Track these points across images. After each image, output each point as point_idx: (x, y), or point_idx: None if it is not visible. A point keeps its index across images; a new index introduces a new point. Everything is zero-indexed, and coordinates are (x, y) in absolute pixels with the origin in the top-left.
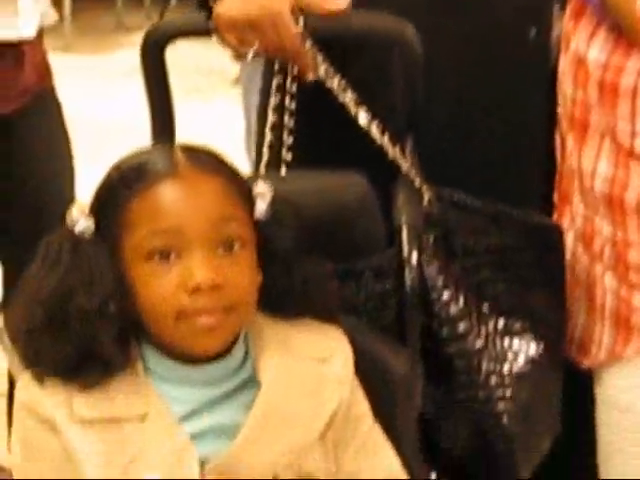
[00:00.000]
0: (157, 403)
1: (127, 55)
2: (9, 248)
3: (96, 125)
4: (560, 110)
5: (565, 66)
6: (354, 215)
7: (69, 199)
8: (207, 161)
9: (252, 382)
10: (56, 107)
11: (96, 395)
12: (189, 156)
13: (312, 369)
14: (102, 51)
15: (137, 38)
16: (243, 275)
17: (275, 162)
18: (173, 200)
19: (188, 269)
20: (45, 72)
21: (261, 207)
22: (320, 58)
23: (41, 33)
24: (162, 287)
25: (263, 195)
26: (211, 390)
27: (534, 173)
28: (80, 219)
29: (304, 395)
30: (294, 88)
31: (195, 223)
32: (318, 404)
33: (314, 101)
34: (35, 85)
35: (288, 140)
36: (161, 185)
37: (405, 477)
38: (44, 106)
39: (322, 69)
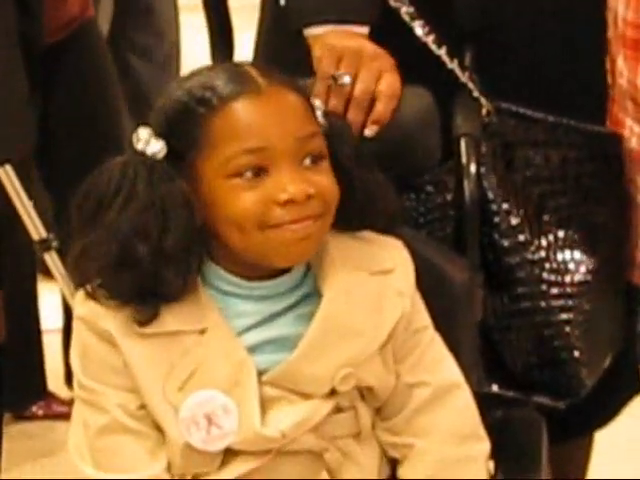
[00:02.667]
0: (216, 317)
1: None
2: (56, 176)
3: None
4: (610, 32)
5: None
6: (417, 128)
7: (119, 127)
8: (282, 78)
9: (313, 295)
10: (98, 37)
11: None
12: (263, 73)
13: (374, 282)
14: None
15: None
16: (329, 183)
17: None
18: (259, 118)
19: (280, 184)
20: (87, 2)
21: (320, 119)
22: None
23: None
24: (249, 199)
25: (319, 108)
26: (272, 304)
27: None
28: (151, 141)
29: (365, 308)
30: None
31: (283, 140)
32: (379, 316)
33: None
34: (79, 15)
35: None
36: (244, 103)
37: (464, 385)
38: (88, 35)
39: None
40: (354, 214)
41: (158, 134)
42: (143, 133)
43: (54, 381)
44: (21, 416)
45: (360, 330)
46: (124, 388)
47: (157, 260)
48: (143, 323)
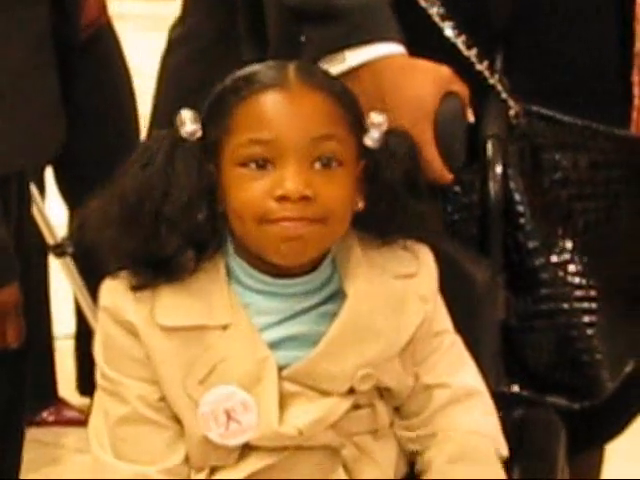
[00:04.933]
0: (240, 313)
1: None
2: (71, 180)
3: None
4: (637, 46)
5: None
6: (444, 131)
7: (133, 131)
8: (318, 77)
9: (337, 295)
10: (115, 40)
11: (178, 303)
12: (301, 70)
13: (397, 285)
14: None
15: None
16: (336, 191)
17: None
18: (276, 111)
19: (280, 178)
20: (103, 6)
21: (374, 135)
22: None
23: None
24: (250, 191)
25: (379, 125)
26: (297, 302)
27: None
28: (187, 121)
29: (388, 310)
30: None
31: (295, 136)
32: (401, 320)
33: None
34: (96, 18)
35: None
36: (267, 94)
37: (485, 392)
38: (104, 39)
39: None
40: (390, 228)
41: (201, 119)
42: (184, 114)
43: (65, 387)
44: (32, 422)
45: (381, 332)
46: (145, 379)
47: (159, 224)
48: (136, 288)
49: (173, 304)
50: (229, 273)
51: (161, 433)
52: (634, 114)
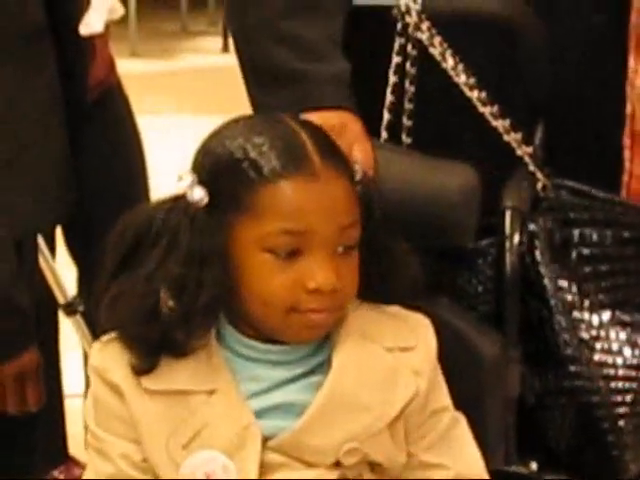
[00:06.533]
0: (226, 379)
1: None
2: (81, 239)
3: None
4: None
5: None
6: (458, 205)
7: (142, 192)
8: (335, 157)
9: (325, 365)
10: (124, 101)
11: (164, 368)
12: (319, 148)
13: (389, 358)
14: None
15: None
16: (354, 276)
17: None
18: (308, 202)
19: (310, 270)
20: (112, 66)
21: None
22: (438, 39)
23: (108, 28)
24: (279, 281)
25: (358, 172)
26: (286, 370)
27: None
28: (195, 187)
29: (375, 383)
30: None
31: (327, 228)
32: (390, 393)
33: (428, 83)
34: (105, 79)
35: (409, 106)
36: (296, 183)
37: (486, 475)
38: (112, 100)
39: (437, 50)
40: (376, 281)
41: (202, 181)
42: (188, 178)
43: (75, 445)
44: None
45: (367, 405)
46: (130, 439)
47: (183, 314)
48: (140, 373)
49: (159, 368)
50: (219, 338)
51: None
52: (625, 177)
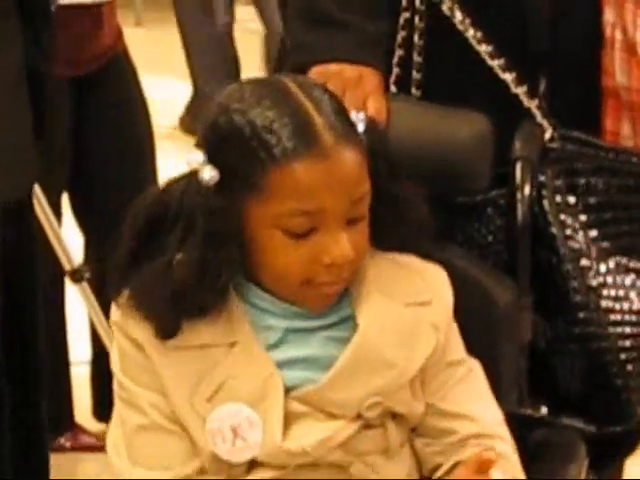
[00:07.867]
0: (246, 331)
1: None
2: (88, 206)
3: None
4: None
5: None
6: (470, 152)
7: (148, 159)
8: (342, 125)
9: (347, 320)
10: (132, 70)
11: (185, 325)
12: (329, 124)
13: (409, 313)
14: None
15: None
16: (364, 241)
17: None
18: (320, 181)
19: (325, 245)
20: (118, 35)
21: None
22: None
23: None
24: (294, 257)
25: (359, 122)
26: (306, 322)
27: None
28: (206, 167)
29: (399, 339)
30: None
31: (340, 204)
32: (412, 349)
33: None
34: (111, 47)
35: (418, 59)
36: (308, 164)
37: (500, 422)
38: (119, 68)
39: (446, 5)
40: (384, 227)
41: (211, 157)
42: (198, 157)
43: (82, 413)
44: (49, 448)
45: (391, 362)
46: (157, 391)
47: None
48: (165, 338)
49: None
50: (238, 293)
51: (178, 441)
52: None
